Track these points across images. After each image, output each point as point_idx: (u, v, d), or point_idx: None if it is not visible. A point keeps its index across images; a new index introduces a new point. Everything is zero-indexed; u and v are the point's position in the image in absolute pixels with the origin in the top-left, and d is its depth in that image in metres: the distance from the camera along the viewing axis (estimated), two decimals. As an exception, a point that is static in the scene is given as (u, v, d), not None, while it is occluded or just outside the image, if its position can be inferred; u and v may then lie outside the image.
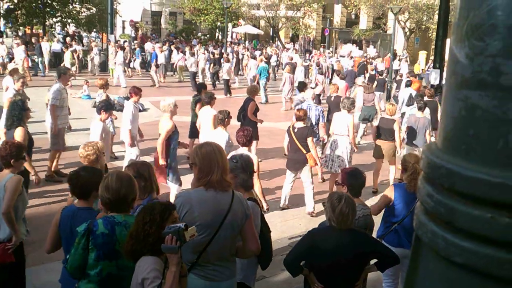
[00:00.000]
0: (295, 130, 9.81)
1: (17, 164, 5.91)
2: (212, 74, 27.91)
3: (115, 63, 26.54)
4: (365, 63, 31.82)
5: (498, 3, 1.13)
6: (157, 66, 27.60)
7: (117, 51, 26.72)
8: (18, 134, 8.14)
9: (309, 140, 9.68)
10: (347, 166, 10.30)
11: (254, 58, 28.57)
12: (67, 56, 27.79)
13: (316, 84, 22.61)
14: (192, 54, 27.96)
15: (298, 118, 9.92)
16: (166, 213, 3.69)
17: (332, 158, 10.80)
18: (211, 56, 30.19)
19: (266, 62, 27.97)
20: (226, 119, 9.12)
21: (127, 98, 19.39)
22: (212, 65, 28.09)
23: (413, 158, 6.32)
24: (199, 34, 55.90)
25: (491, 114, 1.15)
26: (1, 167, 5.92)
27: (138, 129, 11.31)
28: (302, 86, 14.93)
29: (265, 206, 7.19)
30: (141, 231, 3.63)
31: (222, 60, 27.99)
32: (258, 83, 23.65)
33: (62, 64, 27.42)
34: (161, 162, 8.88)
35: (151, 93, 22.93)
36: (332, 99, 14.52)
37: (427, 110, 12.24)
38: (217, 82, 27.58)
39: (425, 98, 13.69)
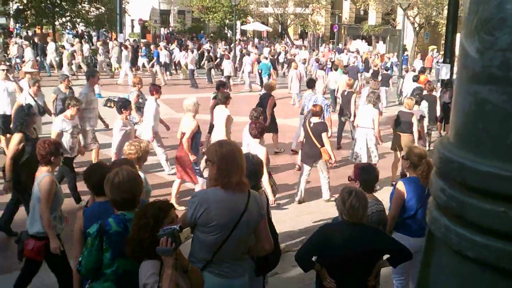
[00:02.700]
0: (311, 125, 10.04)
1: (57, 160, 6.06)
2: (208, 70, 28.30)
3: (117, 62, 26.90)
4: (368, 58, 31.86)
5: (507, -3, 1.13)
6: (161, 64, 27.77)
7: (122, 50, 26.89)
8: (13, 140, 7.95)
9: (324, 135, 9.85)
10: (372, 158, 10.90)
11: (248, 54, 29.22)
12: (64, 56, 26.99)
13: (316, 79, 22.85)
14: (192, 51, 28.19)
15: (315, 114, 10.13)
16: (160, 215, 3.64)
17: (355, 149, 11.31)
18: (206, 53, 30.47)
19: (271, 59, 28.38)
20: (260, 116, 9.47)
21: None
22: (207, 61, 28.38)
23: (420, 151, 6.29)
24: (203, 32, 55.89)
25: (501, 108, 1.15)
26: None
27: (163, 122, 11.89)
28: (311, 83, 15.03)
29: (270, 198, 7.26)
30: (136, 236, 3.60)
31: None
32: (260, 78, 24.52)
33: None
34: (192, 158, 9.20)
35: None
36: (346, 93, 15.00)
37: (423, 103, 13.11)
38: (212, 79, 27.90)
39: (424, 92, 14.46)
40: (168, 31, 52.74)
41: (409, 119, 11.41)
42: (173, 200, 9.10)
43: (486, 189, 1.16)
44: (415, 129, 11.33)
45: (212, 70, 28.81)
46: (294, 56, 29.52)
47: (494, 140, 1.18)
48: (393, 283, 6.26)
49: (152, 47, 31.88)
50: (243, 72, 27.53)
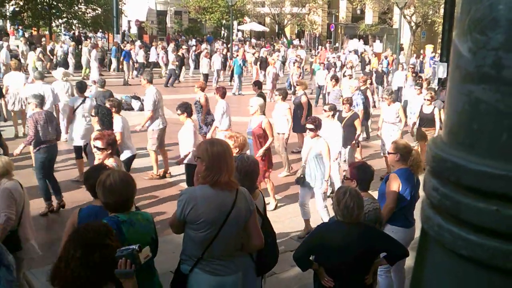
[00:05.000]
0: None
1: None
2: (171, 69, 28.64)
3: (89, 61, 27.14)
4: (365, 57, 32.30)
5: (499, -3, 1.14)
6: (128, 64, 28.34)
7: (91, 50, 27.06)
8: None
9: (356, 122, 11.42)
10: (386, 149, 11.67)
11: (216, 52, 30.85)
12: (31, 56, 25.66)
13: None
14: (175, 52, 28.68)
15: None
16: (91, 246, 3.21)
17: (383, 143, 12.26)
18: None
19: (255, 58, 29.97)
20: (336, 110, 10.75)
21: (135, 97, 19.54)
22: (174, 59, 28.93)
23: (405, 143, 6.51)
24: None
25: (494, 107, 1.16)
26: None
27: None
28: (336, 80, 16.29)
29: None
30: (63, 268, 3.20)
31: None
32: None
33: (26, 65, 26.29)
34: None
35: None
36: (362, 89, 15.70)
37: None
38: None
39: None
40: (169, 32, 53.11)
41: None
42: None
43: (479, 188, 1.17)
44: (436, 119, 12.11)
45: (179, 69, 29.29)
46: (299, 57, 29.90)
47: (487, 139, 1.18)
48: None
49: (122, 45, 31.91)
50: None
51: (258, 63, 29.21)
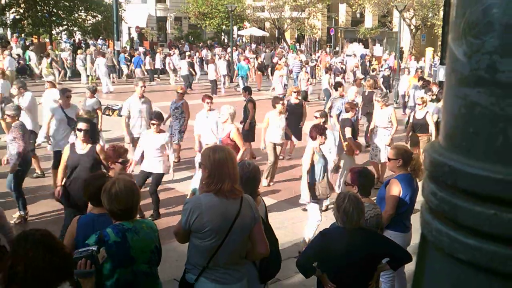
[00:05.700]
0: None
1: None
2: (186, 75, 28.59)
3: (95, 70, 27.16)
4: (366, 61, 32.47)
5: (493, 1, 1.14)
6: (142, 70, 28.37)
7: (97, 59, 27.19)
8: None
9: (346, 130, 10.66)
10: (382, 157, 11.48)
11: (220, 58, 31.01)
12: (44, 64, 26.04)
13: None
14: (184, 58, 28.77)
15: (346, 110, 11.38)
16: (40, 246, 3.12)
17: (373, 148, 12.05)
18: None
19: (259, 63, 30.28)
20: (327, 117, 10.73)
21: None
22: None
23: (405, 147, 6.49)
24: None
25: (490, 111, 1.16)
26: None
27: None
28: (337, 86, 15.95)
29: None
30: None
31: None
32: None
33: (39, 72, 26.62)
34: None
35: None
36: (366, 94, 15.85)
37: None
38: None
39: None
40: (170, 38, 53.45)
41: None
42: None
43: (476, 192, 1.17)
44: (430, 124, 11.82)
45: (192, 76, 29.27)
46: (307, 64, 30.02)
47: (483, 142, 1.18)
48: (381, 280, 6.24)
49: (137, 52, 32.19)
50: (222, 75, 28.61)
51: (269, 69, 29.24)
